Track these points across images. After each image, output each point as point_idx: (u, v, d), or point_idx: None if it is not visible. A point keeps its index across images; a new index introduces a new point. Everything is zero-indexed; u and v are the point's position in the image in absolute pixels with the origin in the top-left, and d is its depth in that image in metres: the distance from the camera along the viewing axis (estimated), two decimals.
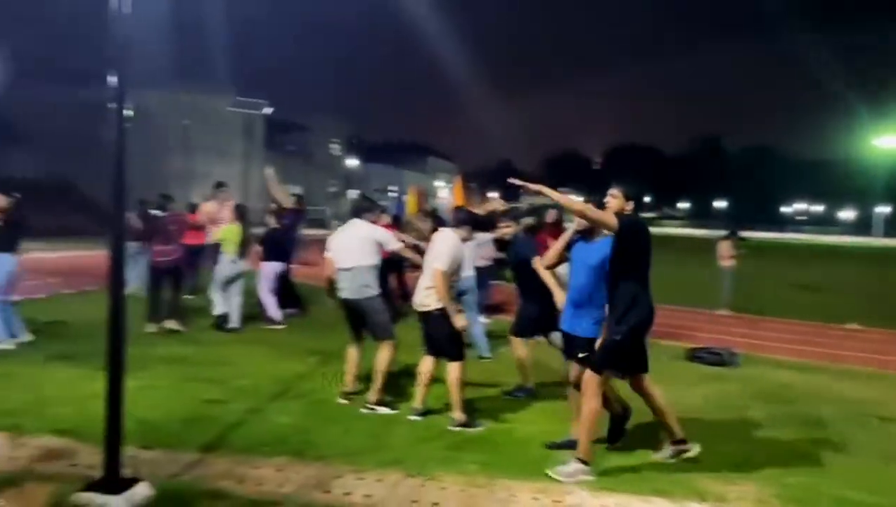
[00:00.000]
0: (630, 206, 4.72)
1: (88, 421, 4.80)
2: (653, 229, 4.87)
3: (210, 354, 7.70)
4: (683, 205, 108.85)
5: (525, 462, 4.75)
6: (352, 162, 60.62)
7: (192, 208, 12.04)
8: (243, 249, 9.27)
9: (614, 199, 4.72)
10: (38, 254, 8.06)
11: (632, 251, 4.57)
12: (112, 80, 3.75)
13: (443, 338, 5.49)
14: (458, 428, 5.37)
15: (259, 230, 10.02)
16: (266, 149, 44.22)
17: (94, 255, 16.08)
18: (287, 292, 10.05)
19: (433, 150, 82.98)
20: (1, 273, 7.54)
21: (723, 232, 14.35)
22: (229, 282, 9.22)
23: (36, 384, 6.10)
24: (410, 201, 24.12)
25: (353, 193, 57.35)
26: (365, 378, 6.16)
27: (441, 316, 5.43)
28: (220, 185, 11.37)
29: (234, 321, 9.21)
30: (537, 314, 6.30)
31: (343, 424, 5.40)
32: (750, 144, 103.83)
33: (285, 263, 9.88)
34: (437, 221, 7.96)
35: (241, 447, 4.77)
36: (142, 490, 3.77)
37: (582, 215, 4.62)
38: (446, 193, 59.97)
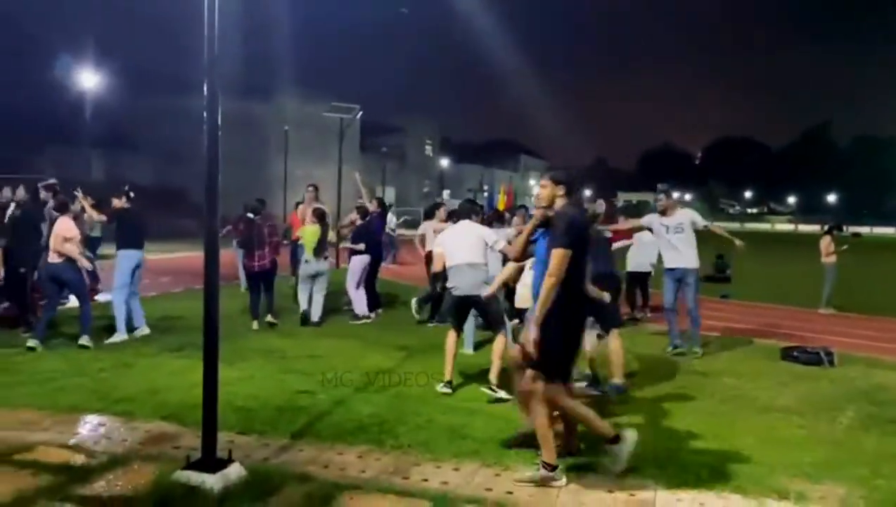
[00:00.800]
0: (562, 191, 4.48)
1: (192, 407, 5.17)
2: (757, 226, 4.73)
3: (303, 347, 8.10)
4: (791, 199, 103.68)
5: (598, 452, 4.79)
6: (444, 162, 61.21)
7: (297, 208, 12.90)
8: (320, 249, 9.68)
9: (544, 188, 4.53)
10: (148, 255, 8.72)
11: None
12: (206, 88, 4.08)
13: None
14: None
15: (346, 229, 10.42)
16: (361, 151, 45.48)
17: (200, 256, 17.13)
18: (370, 291, 10.38)
19: (525, 148, 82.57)
20: (125, 267, 8.24)
21: (825, 227, 13.70)
22: (311, 280, 9.65)
23: (148, 374, 6.63)
24: (501, 200, 24.32)
25: (445, 194, 58.03)
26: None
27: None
28: (309, 186, 11.90)
29: (315, 316, 9.64)
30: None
31: (423, 415, 5.58)
32: (861, 133, 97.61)
33: (371, 259, 10.23)
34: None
35: (326, 435, 5.04)
36: (235, 471, 4.08)
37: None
38: (538, 190, 59.65)
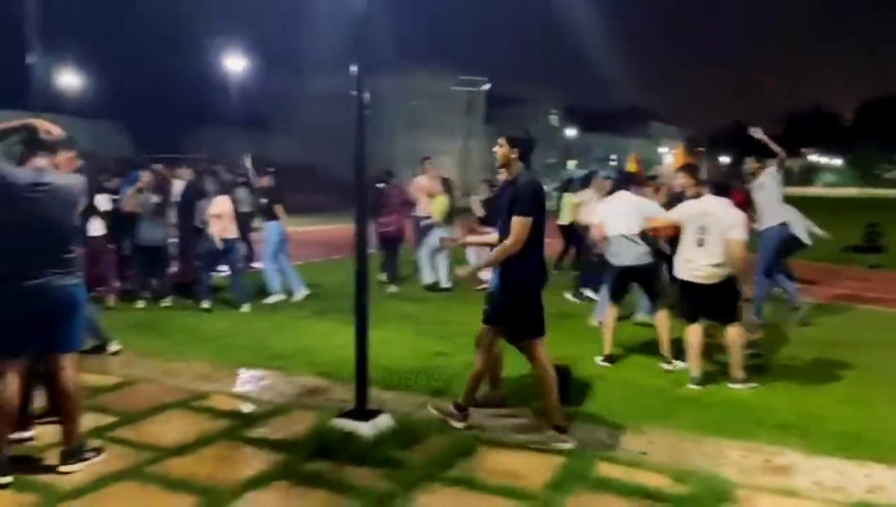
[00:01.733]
0: (516, 154, 4.44)
1: (340, 365, 5.69)
2: None
3: (434, 313, 8.48)
4: None
5: (736, 422, 4.81)
6: (571, 132, 60.16)
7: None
8: (450, 218, 10.01)
9: (500, 147, 4.48)
10: (289, 228, 9.41)
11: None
12: (353, 69, 4.40)
13: (729, 304, 5.70)
14: (739, 386, 5.57)
15: (475, 201, 10.65)
16: (485, 123, 45.63)
17: (338, 228, 18.06)
18: None
19: (656, 114, 79.45)
20: (272, 237, 8.98)
21: None
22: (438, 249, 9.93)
23: (299, 334, 7.23)
24: (630, 169, 23.77)
25: (571, 164, 57.14)
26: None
27: (732, 284, 5.64)
28: (425, 158, 12.21)
29: (443, 283, 9.99)
30: None
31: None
32: None
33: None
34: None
35: (457, 394, 5.33)
36: (384, 420, 4.46)
37: None
38: (670, 159, 57.50)
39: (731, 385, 5.59)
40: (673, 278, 6.13)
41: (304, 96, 36.61)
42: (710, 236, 5.54)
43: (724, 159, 74.97)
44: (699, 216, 5.64)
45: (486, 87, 40.42)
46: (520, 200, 4.33)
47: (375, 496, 3.69)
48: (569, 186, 13.95)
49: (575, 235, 12.02)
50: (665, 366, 6.10)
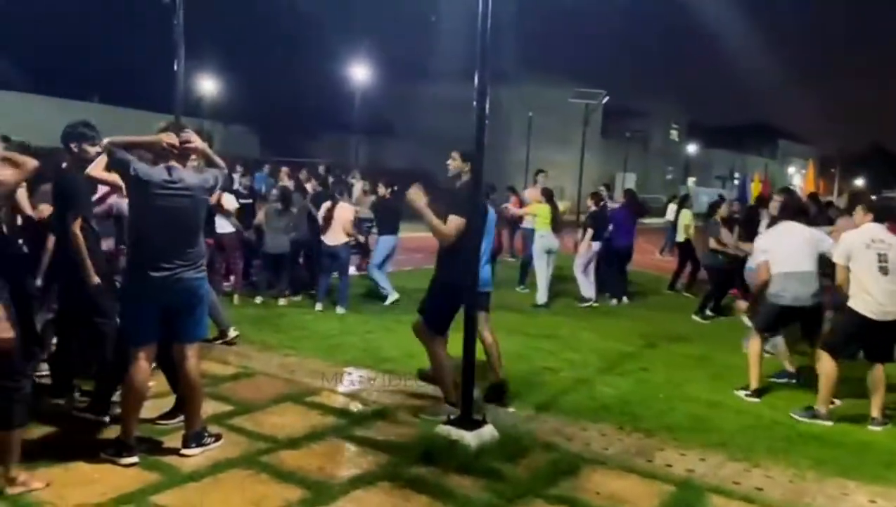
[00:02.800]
0: (467, 167, 4.91)
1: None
2: None
3: (541, 326, 8.38)
4: None
5: (865, 463, 4.48)
6: (691, 148, 58.15)
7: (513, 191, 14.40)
8: (556, 226, 9.84)
9: (453, 161, 5.04)
10: (401, 234, 9.64)
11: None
12: (475, 78, 4.45)
13: (892, 341, 5.33)
14: (878, 428, 5.16)
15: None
16: (602, 136, 44.83)
17: None
18: (609, 276, 10.39)
19: (784, 132, 75.41)
20: (382, 250, 9.23)
21: None
22: (546, 255, 9.77)
23: (405, 339, 7.29)
24: (756, 189, 22.60)
25: (690, 181, 55.22)
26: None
27: None
28: (539, 172, 12.12)
29: (541, 298, 9.71)
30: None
31: (666, 402, 5.58)
32: None
33: (612, 247, 10.24)
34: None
35: (568, 410, 5.26)
36: (488, 431, 4.45)
37: None
38: (799, 179, 54.43)
39: (871, 427, 5.17)
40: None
41: (424, 102, 37.24)
42: (892, 266, 5.11)
43: (859, 182, 70.14)
44: (873, 245, 5.18)
45: (605, 99, 39.70)
46: (460, 203, 4.79)
47: (477, 506, 3.68)
48: (685, 202, 13.50)
49: (691, 253, 11.63)
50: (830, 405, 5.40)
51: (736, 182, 48.17)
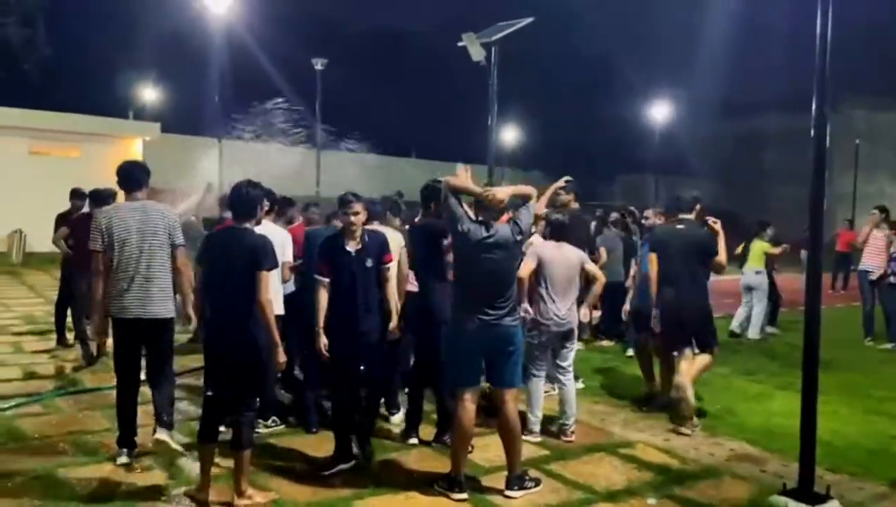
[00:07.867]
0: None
1: (773, 434, 5.30)
2: None
3: (879, 381, 7.32)
4: None
5: None
6: None
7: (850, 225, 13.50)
8: (769, 263, 9.59)
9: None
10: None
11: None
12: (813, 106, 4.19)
13: None
14: None
15: None
16: None
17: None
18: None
19: None
20: None
21: None
22: (748, 292, 9.56)
23: (724, 393, 6.83)
24: None
25: None
26: None
27: None
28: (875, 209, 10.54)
29: (752, 333, 9.38)
30: None
31: None
32: None
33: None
34: None
35: None
36: None
37: None
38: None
39: None
40: None
41: (722, 139, 35.26)
42: None
43: None
44: None
45: None
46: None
47: None
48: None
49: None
50: None
51: None
